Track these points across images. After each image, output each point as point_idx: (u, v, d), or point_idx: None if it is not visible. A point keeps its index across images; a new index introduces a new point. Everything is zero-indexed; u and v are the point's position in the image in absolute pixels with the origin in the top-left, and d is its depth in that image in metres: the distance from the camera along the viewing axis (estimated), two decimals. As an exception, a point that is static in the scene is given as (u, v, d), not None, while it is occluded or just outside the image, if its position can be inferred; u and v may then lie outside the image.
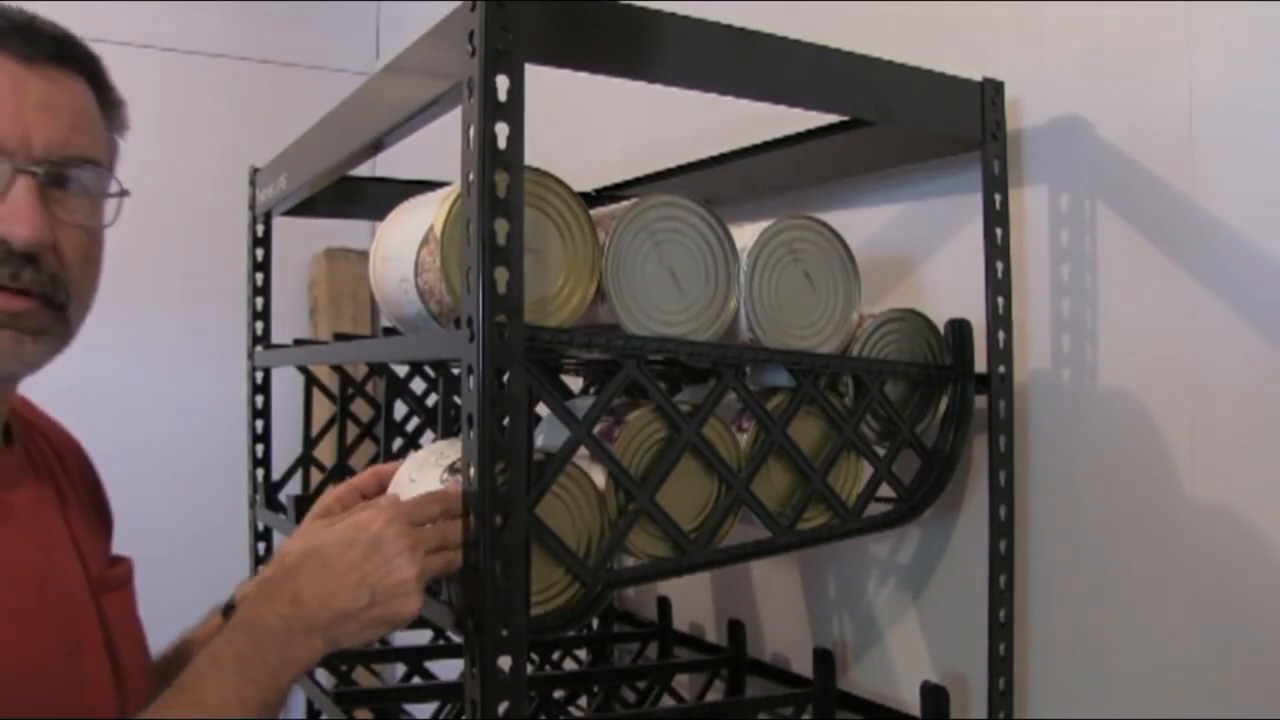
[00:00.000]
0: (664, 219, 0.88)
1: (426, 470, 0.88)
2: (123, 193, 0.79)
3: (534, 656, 1.47)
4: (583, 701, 1.40)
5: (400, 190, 1.44)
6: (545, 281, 0.83)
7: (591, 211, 0.86)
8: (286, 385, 1.50)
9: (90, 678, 0.78)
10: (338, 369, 1.48)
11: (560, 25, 0.78)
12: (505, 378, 0.72)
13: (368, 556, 0.74)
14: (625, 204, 0.89)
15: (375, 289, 0.95)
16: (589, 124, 1.69)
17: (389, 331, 1.29)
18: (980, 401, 1.01)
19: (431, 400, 1.29)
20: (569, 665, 1.53)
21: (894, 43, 0.99)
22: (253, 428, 1.44)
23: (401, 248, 0.89)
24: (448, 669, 1.42)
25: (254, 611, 0.74)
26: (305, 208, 1.34)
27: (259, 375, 1.44)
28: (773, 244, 0.94)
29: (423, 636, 1.55)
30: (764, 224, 0.94)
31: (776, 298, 0.93)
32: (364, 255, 2.76)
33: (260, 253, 1.43)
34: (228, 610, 0.91)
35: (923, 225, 1.14)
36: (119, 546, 0.94)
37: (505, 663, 0.72)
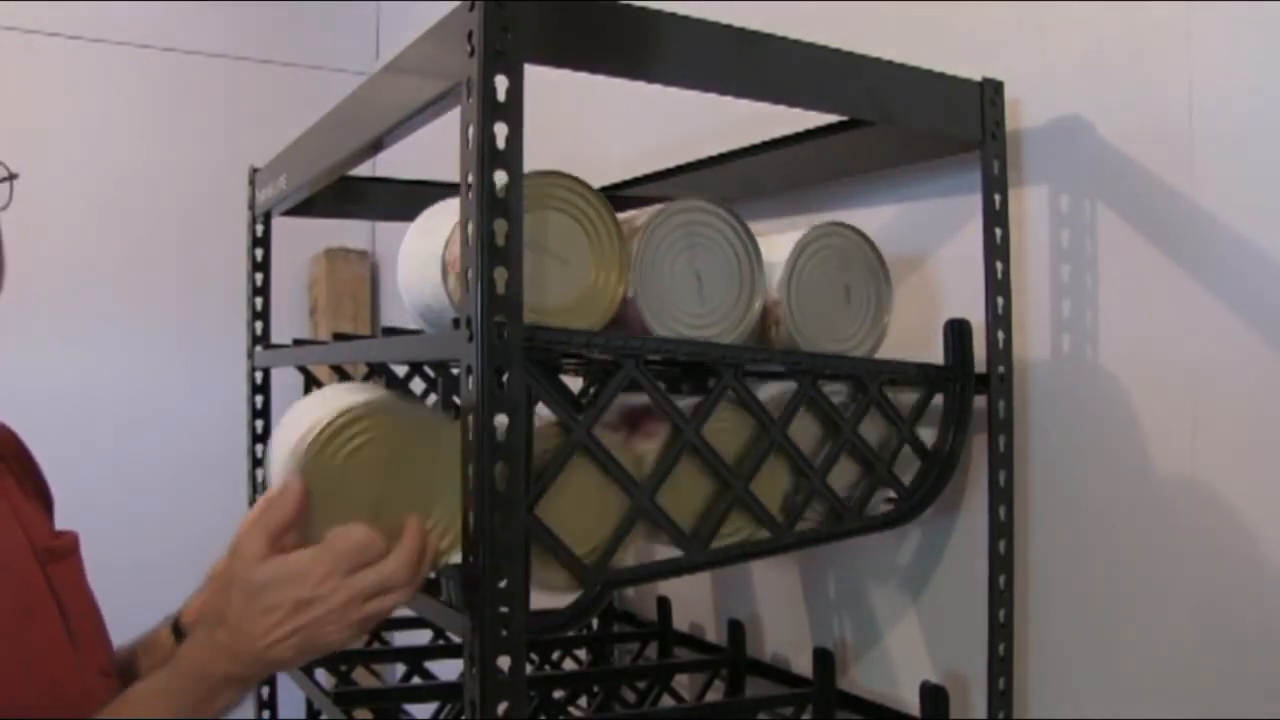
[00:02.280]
0: (692, 223, 0.91)
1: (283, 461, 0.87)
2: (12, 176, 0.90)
3: (534, 656, 1.47)
4: (583, 701, 1.40)
5: (400, 190, 1.45)
6: (575, 284, 0.85)
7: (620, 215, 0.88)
8: (286, 385, 1.50)
9: (46, 641, 0.84)
10: (337, 369, 1.48)
11: (559, 25, 0.78)
12: (504, 377, 0.72)
13: (301, 612, 0.75)
14: (654, 208, 0.91)
15: (404, 284, 0.97)
16: (589, 124, 1.69)
17: (389, 331, 1.29)
18: (980, 401, 1.01)
19: (431, 400, 1.29)
20: (569, 665, 1.53)
21: (894, 43, 0.98)
22: (252, 428, 1.44)
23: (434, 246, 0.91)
24: (448, 669, 1.42)
25: (195, 654, 0.79)
26: (305, 208, 1.34)
27: (259, 375, 1.44)
28: (811, 249, 0.95)
29: (423, 636, 1.55)
30: (796, 234, 0.96)
31: (814, 305, 0.96)
32: (364, 255, 2.76)
33: (260, 253, 1.43)
34: (176, 628, 0.96)
35: (923, 225, 1.14)
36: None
37: (505, 663, 0.72)
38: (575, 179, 0.85)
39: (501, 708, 0.72)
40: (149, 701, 0.78)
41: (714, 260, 0.91)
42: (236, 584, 0.77)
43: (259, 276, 1.43)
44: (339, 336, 1.84)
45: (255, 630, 0.76)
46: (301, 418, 0.88)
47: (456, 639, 1.11)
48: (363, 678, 1.58)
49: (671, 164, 1.33)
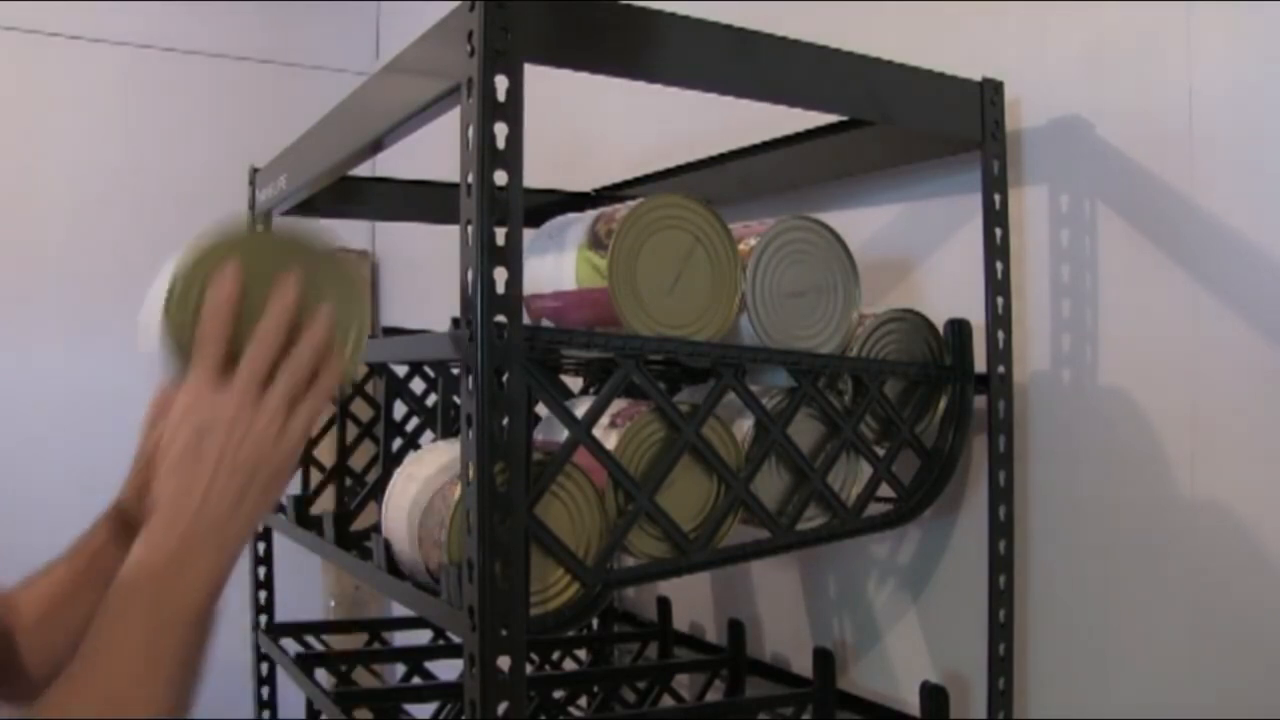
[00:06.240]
0: (796, 240, 0.94)
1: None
2: None
3: (534, 656, 1.47)
4: (583, 701, 1.40)
5: (400, 190, 1.45)
6: (696, 300, 0.88)
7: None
8: (286, 385, 1.50)
9: None
10: (337, 369, 1.48)
11: (559, 25, 0.78)
12: (504, 378, 0.72)
13: (206, 438, 0.67)
14: (768, 224, 0.94)
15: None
16: (589, 124, 1.69)
17: (389, 331, 1.29)
18: (980, 401, 1.01)
19: (431, 400, 1.29)
20: (569, 665, 1.53)
21: (894, 43, 0.98)
22: (253, 428, 1.44)
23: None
24: (448, 669, 1.42)
25: (136, 558, 0.67)
26: (305, 208, 1.34)
27: (259, 375, 1.44)
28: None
29: (423, 636, 1.55)
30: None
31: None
32: (364, 255, 2.76)
33: (260, 253, 1.43)
34: (118, 516, 0.86)
35: (923, 225, 1.14)
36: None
37: (505, 663, 0.72)
38: (695, 199, 0.88)
39: (501, 708, 0.72)
40: (115, 634, 0.65)
41: (813, 273, 0.96)
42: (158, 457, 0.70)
43: (259, 276, 1.43)
44: (339, 336, 1.84)
45: (177, 488, 0.67)
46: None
47: (456, 639, 1.11)
48: (363, 678, 1.58)
49: (671, 164, 1.33)
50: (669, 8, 0.82)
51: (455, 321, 0.77)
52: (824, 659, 1.16)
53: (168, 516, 0.67)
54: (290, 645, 1.45)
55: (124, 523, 0.84)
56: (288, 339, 0.70)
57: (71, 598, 0.83)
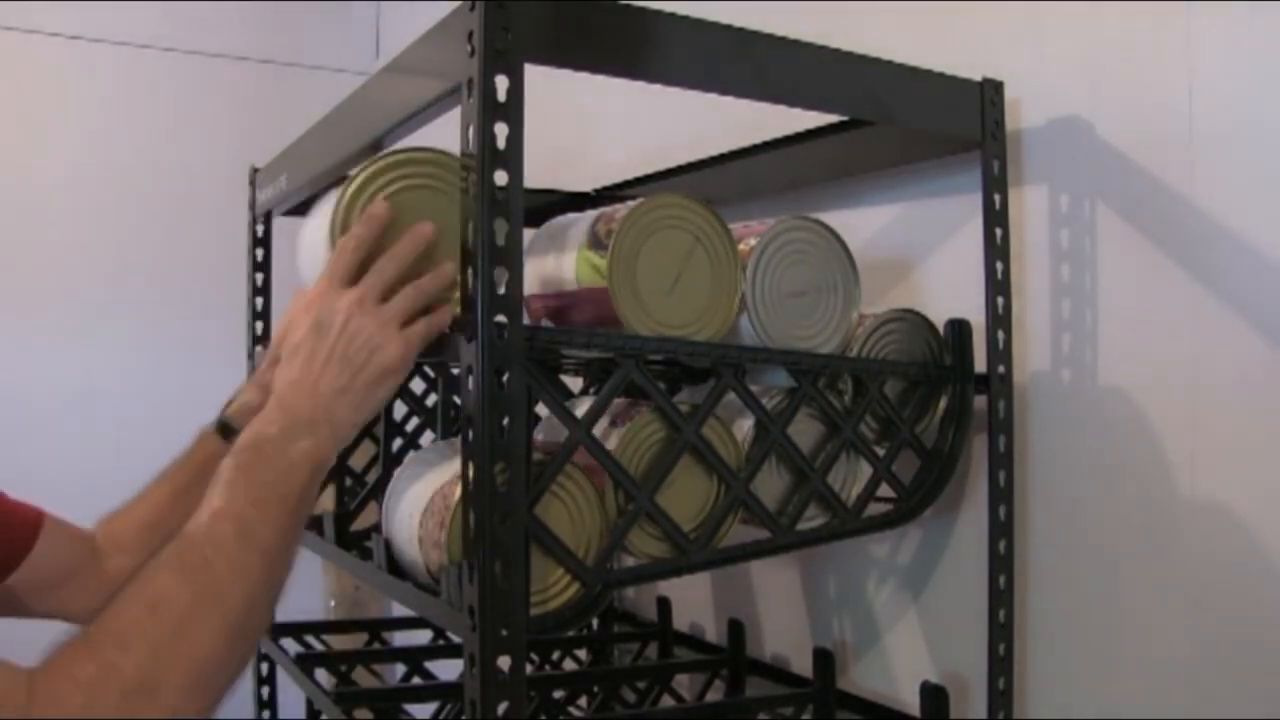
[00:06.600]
0: (796, 240, 0.95)
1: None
2: None
3: (534, 656, 1.47)
4: (583, 701, 1.40)
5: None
6: (696, 300, 0.88)
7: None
8: (286, 385, 1.50)
9: None
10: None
11: (560, 25, 0.78)
12: (504, 378, 0.72)
13: (322, 334, 0.75)
14: (768, 224, 0.94)
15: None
16: (589, 124, 1.69)
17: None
18: (980, 401, 1.01)
19: (431, 400, 1.29)
20: (569, 665, 1.53)
21: (894, 43, 0.98)
22: (253, 428, 1.44)
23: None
24: (448, 669, 1.42)
25: (250, 433, 0.74)
26: (305, 208, 1.34)
27: (259, 375, 1.44)
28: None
29: (423, 636, 1.55)
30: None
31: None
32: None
33: (260, 253, 1.43)
34: (224, 430, 1.00)
35: (923, 225, 1.14)
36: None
37: (505, 663, 0.72)
38: (695, 199, 0.89)
39: (501, 708, 0.72)
40: (223, 496, 0.69)
41: (813, 274, 0.96)
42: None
43: (259, 276, 1.43)
44: (339, 336, 1.83)
45: (290, 375, 0.74)
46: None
47: (456, 639, 1.11)
48: (363, 678, 1.58)
49: (671, 164, 1.33)
50: (669, 8, 0.82)
51: (455, 322, 0.77)
52: (824, 659, 1.16)
53: (281, 398, 0.74)
54: (290, 645, 1.45)
55: (229, 434, 0.96)
56: (418, 269, 0.78)
57: (181, 501, 0.93)
